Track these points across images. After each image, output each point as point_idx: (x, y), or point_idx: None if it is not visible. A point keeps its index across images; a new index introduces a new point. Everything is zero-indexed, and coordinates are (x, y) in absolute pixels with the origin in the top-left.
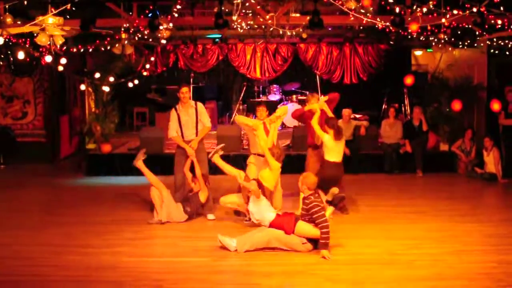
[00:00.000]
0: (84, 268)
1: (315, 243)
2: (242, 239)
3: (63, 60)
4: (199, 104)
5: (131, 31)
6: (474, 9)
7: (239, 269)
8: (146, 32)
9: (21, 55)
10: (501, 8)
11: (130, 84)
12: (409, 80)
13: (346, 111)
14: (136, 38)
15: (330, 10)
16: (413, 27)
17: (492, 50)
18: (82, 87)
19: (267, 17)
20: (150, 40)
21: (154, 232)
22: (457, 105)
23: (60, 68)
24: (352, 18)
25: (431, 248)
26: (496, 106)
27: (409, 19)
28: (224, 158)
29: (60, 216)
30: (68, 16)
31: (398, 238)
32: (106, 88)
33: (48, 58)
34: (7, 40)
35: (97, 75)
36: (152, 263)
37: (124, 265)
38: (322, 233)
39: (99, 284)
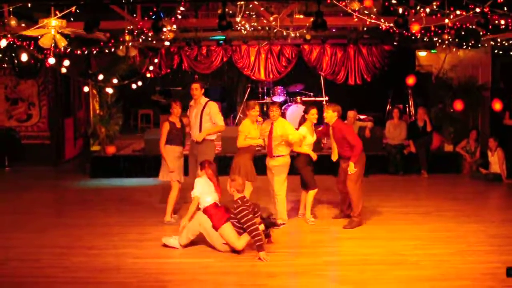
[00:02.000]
0: (90, 270)
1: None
2: (181, 234)
3: (66, 62)
4: (210, 103)
5: (135, 33)
6: (478, 10)
7: (244, 270)
8: (150, 34)
9: (24, 57)
10: (505, 9)
11: (134, 86)
12: (410, 80)
13: (350, 113)
14: (140, 40)
15: (334, 11)
16: (415, 28)
17: (496, 51)
18: (86, 89)
19: (271, 18)
20: (154, 42)
21: (158, 234)
22: (458, 105)
23: (64, 70)
24: (356, 19)
25: (436, 249)
26: (497, 105)
27: (413, 20)
28: (228, 159)
29: (65, 218)
30: (72, 19)
31: (403, 239)
32: (109, 90)
33: (51, 60)
34: (11, 42)
35: (101, 77)
36: (157, 265)
37: (130, 266)
38: (253, 237)
39: (104, 286)
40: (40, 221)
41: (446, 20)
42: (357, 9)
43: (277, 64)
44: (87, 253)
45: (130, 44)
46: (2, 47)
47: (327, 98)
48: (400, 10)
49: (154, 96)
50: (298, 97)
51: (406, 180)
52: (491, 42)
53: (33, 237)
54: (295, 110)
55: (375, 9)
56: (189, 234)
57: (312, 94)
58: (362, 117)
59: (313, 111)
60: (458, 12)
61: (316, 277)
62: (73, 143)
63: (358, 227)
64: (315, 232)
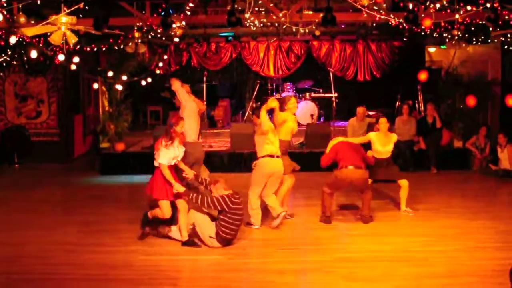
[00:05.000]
0: (100, 267)
1: (223, 241)
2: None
3: (76, 59)
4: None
5: (144, 30)
6: (488, 5)
7: (253, 267)
8: (159, 31)
9: (33, 54)
10: None
11: (143, 83)
12: (423, 75)
13: (360, 109)
14: (149, 36)
15: (343, 7)
16: (427, 23)
17: (506, 46)
18: (95, 85)
19: (280, 14)
20: (163, 38)
21: None
22: (471, 101)
23: (73, 67)
24: (365, 15)
25: (445, 245)
26: (510, 101)
27: (422, 15)
28: (237, 156)
29: (75, 215)
30: (81, 15)
31: (412, 235)
32: (119, 87)
33: (61, 57)
34: (20, 39)
35: (110, 73)
36: (168, 262)
37: (140, 263)
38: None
39: (115, 283)
40: (50, 218)
41: (457, 16)
42: (366, 4)
43: (286, 60)
44: (97, 250)
45: (139, 40)
46: (11, 44)
47: (336, 95)
48: (410, 6)
49: (163, 92)
50: (307, 94)
51: (415, 176)
52: (501, 38)
53: (44, 234)
54: (304, 106)
55: (384, 5)
56: (185, 225)
57: (321, 90)
58: (371, 113)
59: (382, 120)
60: (468, 7)
61: (325, 274)
62: (82, 140)
63: (369, 225)
64: (324, 229)
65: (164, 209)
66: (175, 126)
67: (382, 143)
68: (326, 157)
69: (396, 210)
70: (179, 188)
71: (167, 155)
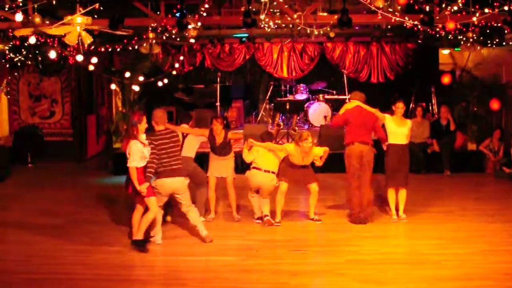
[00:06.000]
0: (111, 267)
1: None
2: None
3: (94, 60)
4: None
5: (158, 31)
6: (506, 8)
7: (266, 268)
8: (173, 32)
9: (52, 54)
10: None
11: (160, 83)
12: (446, 79)
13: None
14: (164, 37)
15: (358, 9)
16: (450, 26)
17: None
18: (113, 86)
19: (295, 16)
20: (178, 39)
21: (180, 231)
22: (495, 104)
23: (91, 68)
24: (380, 17)
25: (458, 248)
26: (495, 105)
27: (437, 17)
28: None
29: (87, 215)
30: (96, 16)
31: (425, 238)
32: (136, 88)
33: (79, 58)
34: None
35: (127, 74)
36: (180, 262)
37: (152, 264)
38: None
39: (126, 283)
40: (62, 218)
41: (474, 18)
42: (381, 6)
43: (300, 61)
44: (108, 250)
45: (154, 41)
46: (30, 44)
47: (349, 97)
48: (427, 8)
49: (176, 93)
50: (321, 95)
51: (428, 179)
52: None
53: (55, 233)
54: (317, 108)
55: (399, 7)
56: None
57: (334, 92)
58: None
59: (399, 105)
60: (485, 10)
61: (338, 276)
62: (96, 140)
63: (382, 227)
64: (337, 231)
65: (153, 206)
66: (138, 124)
67: (397, 124)
68: (338, 119)
69: (410, 212)
70: (143, 189)
71: (138, 155)
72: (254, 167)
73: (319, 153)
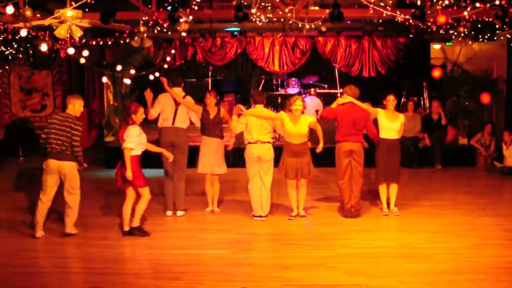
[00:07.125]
0: (104, 260)
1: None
2: None
3: (86, 53)
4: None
5: (150, 24)
6: (497, 2)
7: (258, 262)
8: (165, 25)
9: (44, 47)
10: None
11: (151, 77)
12: (436, 72)
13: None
14: (155, 31)
15: (349, 3)
16: (441, 19)
17: None
18: (104, 79)
19: (286, 10)
20: (169, 33)
21: (173, 225)
22: (486, 98)
23: (83, 61)
24: (372, 11)
25: (449, 242)
26: (486, 99)
27: (429, 12)
28: (242, 151)
29: (79, 209)
30: (87, 10)
31: (417, 232)
32: (127, 81)
33: (71, 50)
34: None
35: (119, 67)
36: (172, 256)
37: (144, 257)
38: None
39: (118, 276)
40: (53, 212)
41: (465, 13)
42: (372, 1)
43: (291, 55)
44: (101, 244)
45: (145, 35)
46: (21, 37)
47: (341, 91)
48: (418, 2)
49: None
50: (312, 89)
51: (420, 173)
52: (507, 36)
53: (47, 227)
54: (309, 102)
55: (391, 1)
56: None
57: (326, 86)
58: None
59: (390, 98)
60: (477, 4)
61: (330, 270)
62: (87, 134)
63: (373, 221)
64: (328, 225)
65: (146, 195)
66: (133, 115)
67: (389, 119)
68: (327, 112)
69: (401, 206)
70: (129, 174)
71: (134, 138)
72: (249, 143)
73: (311, 120)
